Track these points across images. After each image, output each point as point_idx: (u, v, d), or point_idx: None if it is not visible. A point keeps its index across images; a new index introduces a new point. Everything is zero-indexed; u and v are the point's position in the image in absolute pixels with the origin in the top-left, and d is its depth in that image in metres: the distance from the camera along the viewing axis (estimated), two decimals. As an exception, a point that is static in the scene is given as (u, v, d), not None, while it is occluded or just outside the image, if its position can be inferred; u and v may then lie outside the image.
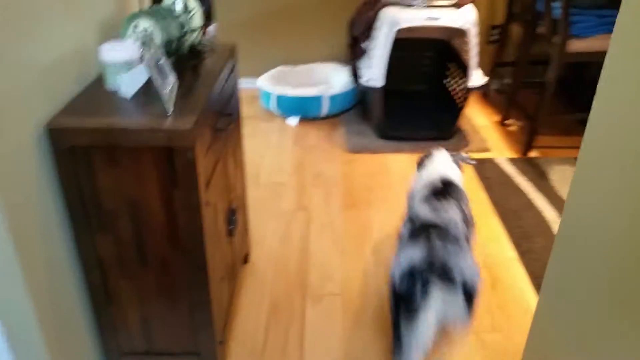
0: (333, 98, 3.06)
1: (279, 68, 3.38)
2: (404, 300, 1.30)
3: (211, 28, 1.70)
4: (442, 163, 1.70)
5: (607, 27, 2.45)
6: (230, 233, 1.59)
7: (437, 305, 1.23)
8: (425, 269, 1.25)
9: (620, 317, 0.94)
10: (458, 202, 1.48)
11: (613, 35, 0.96)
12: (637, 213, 0.90)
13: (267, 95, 3.14)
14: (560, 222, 1.17)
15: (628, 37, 0.92)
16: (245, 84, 3.49)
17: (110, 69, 1.26)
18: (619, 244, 0.95)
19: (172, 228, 1.25)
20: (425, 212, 1.43)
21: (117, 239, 1.27)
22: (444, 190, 1.53)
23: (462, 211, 1.46)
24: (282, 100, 3.08)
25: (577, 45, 2.43)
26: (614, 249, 0.97)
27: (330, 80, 3.38)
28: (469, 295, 1.24)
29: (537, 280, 1.87)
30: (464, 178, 1.76)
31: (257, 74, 3.49)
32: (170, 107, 1.17)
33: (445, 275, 1.24)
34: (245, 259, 1.99)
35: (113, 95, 1.26)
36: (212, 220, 1.34)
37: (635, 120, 0.90)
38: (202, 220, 1.23)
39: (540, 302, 1.28)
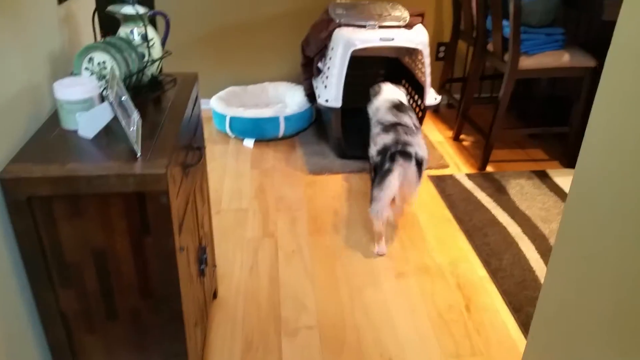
0: (289, 118, 3.01)
1: (230, 89, 3.30)
2: (378, 167, 2.05)
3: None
4: (392, 90, 2.51)
5: (555, 44, 2.53)
6: (201, 273, 1.50)
7: (399, 170, 1.99)
8: (393, 147, 2.03)
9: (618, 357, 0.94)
10: (408, 112, 2.31)
11: (610, 48, 0.96)
12: (633, 245, 0.89)
13: (221, 117, 3.05)
14: (550, 261, 1.16)
15: (625, 50, 0.93)
16: (196, 107, 3.40)
17: (66, 108, 1.16)
18: (611, 283, 0.95)
19: (143, 278, 1.16)
20: (390, 116, 2.24)
21: (82, 292, 1.16)
22: (399, 105, 2.34)
23: (412, 117, 2.29)
24: (236, 122, 3.00)
25: (528, 62, 2.50)
26: (607, 287, 0.96)
27: (285, 99, 3.33)
28: (420, 164, 2.04)
29: (510, 299, 1.88)
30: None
31: (207, 94, 3.40)
32: (138, 149, 1.08)
33: (405, 152, 2.01)
34: (214, 294, 1.89)
35: (71, 136, 1.16)
36: (186, 265, 1.25)
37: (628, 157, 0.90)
38: (177, 267, 1.15)
39: (529, 345, 1.27)
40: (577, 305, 1.06)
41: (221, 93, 3.22)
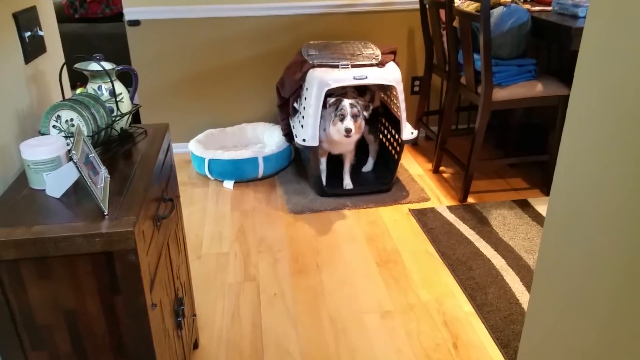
0: (268, 158, 3.01)
1: (208, 131, 3.31)
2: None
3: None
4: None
5: (527, 74, 2.58)
6: (178, 326, 1.47)
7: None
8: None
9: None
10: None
11: (575, 78, 0.98)
12: (610, 273, 0.89)
13: (199, 160, 3.05)
14: (531, 293, 1.16)
15: (588, 79, 0.94)
16: (174, 149, 3.39)
17: (33, 168, 1.15)
18: (592, 312, 0.94)
19: (116, 337, 1.12)
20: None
21: (54, 354, 1.13)
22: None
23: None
24: (215, 164, 3.00)
25: (501, 94, 2.54)
26: (589, 316, 0.95)
27: (263, 139, 3.35)
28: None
29: (497, 334, 1.86)
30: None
31: (186, 138, 3.40)
32: (105, 207, 1.07)
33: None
34: (195, 345, 1.85)
35: (40, 196, 1.14)
36: (160, 320, 1.22)
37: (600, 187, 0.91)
38: (149, 325, 1.12)
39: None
40: (561, 337, 1.05)
41: (199, 136, 3.23)
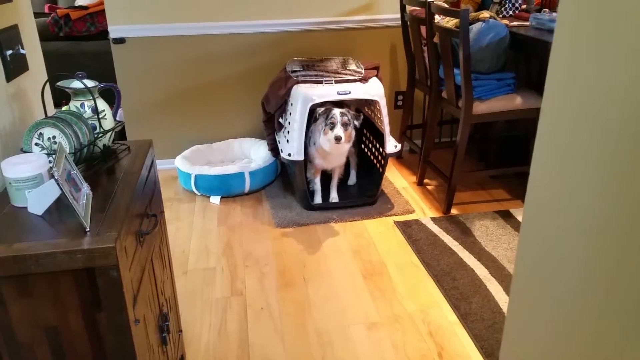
0: (254, 173, 3.03)
1: (195, 147, 3.32)
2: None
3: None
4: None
5: (507, 88, 2.64)
6: (163, 341, 1.47)
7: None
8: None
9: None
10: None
11: (545, 91, 1.01)
12: (582, 282, 0.91)
13: (186, 175, 3.06)
14: (509, 302, 1.18)
15: (558, 91, 0.97)
16: (160, 165, 3.40)
17: (15, 185, 1.16)
18: (567, 316, 0.96)
19: (99, 354, 1.12)
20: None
21: (34, 374, 1.12)
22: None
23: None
24: (201, 179, 3.01)
25: (481, 107, 2.59)
26: (565, 325, 0.98)
27: (249, 155, 3.36)
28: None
29: (481, 343, 1.88)
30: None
31: (172, 154, 3.41)
32: (87, 223, 1.08)
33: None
34: (181, 362, 1.84)
35: (22, 213, 1.15)
36: (143, 336, 1.23)
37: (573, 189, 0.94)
38: (132, 341, 1.12)
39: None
40: (539, 345, 1.07)
41: (186, 152, 3.24)
